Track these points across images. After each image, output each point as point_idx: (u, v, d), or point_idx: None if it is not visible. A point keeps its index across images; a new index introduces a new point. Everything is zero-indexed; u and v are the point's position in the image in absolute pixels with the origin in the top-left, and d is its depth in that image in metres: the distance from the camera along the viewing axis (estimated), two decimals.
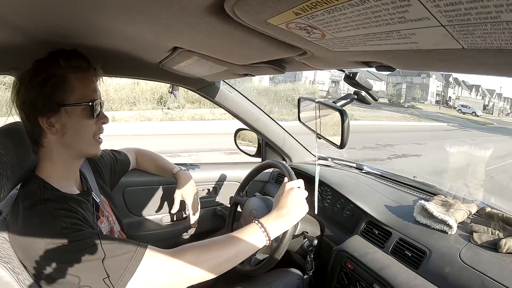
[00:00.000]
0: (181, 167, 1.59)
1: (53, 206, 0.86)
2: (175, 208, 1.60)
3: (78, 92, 0.95)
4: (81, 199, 0.98)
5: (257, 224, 1.03)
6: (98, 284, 0.81)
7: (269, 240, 1.02)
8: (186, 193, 1.56)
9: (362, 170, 1.93)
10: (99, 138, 1.03)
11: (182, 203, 1.60)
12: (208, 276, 0.93)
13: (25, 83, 0.93)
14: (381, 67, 0.68)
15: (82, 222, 0.88)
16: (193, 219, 1.60)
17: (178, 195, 1.57)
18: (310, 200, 1.10)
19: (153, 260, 0.87)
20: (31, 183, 0.93)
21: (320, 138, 1.02)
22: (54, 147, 0.97)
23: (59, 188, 0.95)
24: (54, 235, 0.81)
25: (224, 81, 1.74)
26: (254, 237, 1.00)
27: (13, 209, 0.90)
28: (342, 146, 0.92)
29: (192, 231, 1.89)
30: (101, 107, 1.01)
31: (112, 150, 1.46)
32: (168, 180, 1.64)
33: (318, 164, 2.06)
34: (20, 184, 0.95)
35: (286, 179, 1.21)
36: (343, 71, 0.92)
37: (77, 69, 0.95)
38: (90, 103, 0.96)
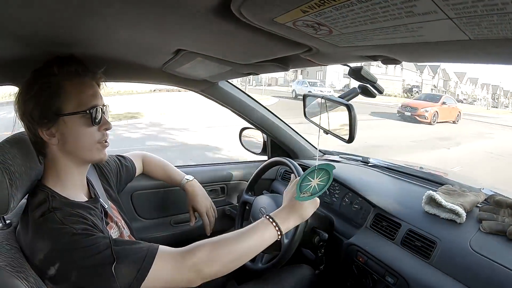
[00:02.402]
0: (189, 177, 1.56)
1: (62, 214, 0.87)
2: (191, 221, 1.57)
3: (74, 99, 0.93)
4: (89, 206, 0.98)
5: (268, 219, 1.02)
6: (115, 286, 0.82)
7: (280, 234, 1.01)
8: (200, 208, 1.52)
9: (368, 163, 1.93)
10: (105, 142, 1.01)
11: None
12: (221, 272, 0.93)
13: (23, 94, 0.92)
14: (386, 60, 0.69)
15: (92, 228, 0.88)
16: (208, 230, 1.55)
17: (191, 210, 1.54)
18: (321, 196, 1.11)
19: (165, 260, 0.87)
20: (39, 192, 0.93)
21: (327, 134, 1.02)
22: (57, 156, 0.96)
23: (67, 196, 0.95)
24: (66, 242, 0.82)
25: (227, 80, 1.74)
26: (265, 232, 1.00)
27: (23, 219, 0.91)
28: (350, 140, 0.92)
29: (201, 231, 1.89)
30: (103, 113, 0.98)
31: (117, 156, 1.45)
32: None
33: (325, 159, 2.07)
34: (28, 194, 0.95)
35: (293, 176, 1.21)
36: (348, 66, 0.93)
37: (72, 75, 0.93)
38: (88, 111, 0.94)
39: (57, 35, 0.81)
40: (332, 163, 1.02)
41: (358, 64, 0.92)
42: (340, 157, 2.10)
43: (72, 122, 0.93)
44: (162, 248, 0.90)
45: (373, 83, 0.95)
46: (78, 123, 0.94)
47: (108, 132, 1.02)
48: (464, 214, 1.14)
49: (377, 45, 0.58)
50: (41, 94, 0.90)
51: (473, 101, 66.97)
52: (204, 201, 1.53)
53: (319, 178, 1.03)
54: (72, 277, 0.81)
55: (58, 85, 0.92)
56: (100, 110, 0.97)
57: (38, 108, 0.91)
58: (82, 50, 0.95)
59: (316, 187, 1.03)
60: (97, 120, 0.96)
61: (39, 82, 0.91)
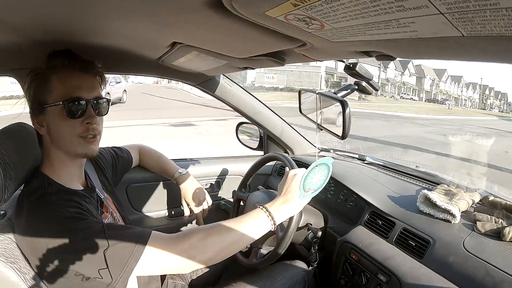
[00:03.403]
0: (182, 170, 1.55)
1: (57, 197, 0.89)
2: (184, 215, 1.58)
3: (56, 91, 0.94)
4: (85, 194, 1.00)
5: (262, 209, 1.02)
6: (104, 272, 0.82)
7: (274, 225, 1.01)
8: (192, 202, 1.52)
9: (364, 161, 1.93)
10: (90, 136, 0.99)
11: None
12: (213, 259, 0.94)
13: (24, 87, 0.99)
14: (381, 57, 0.68)
15: (86, 213, 0.89)
16: (201, 223, 1.55)
17: (184, 204, 1.55)
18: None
19: (157, 245, 0.88)
20: (35, 179, 0.95)
21: (321, 130, 1.02)
22: (49, 147, 0.99)
23: (63, 184, 0.96)
24: (59, 224, 0.83)
25: (224, 75, 1.73)
26: (258, 221, 1.00)
27: (18, 205, 0.92)
28: (344, 136, 0.92)
29: (195, 225, 1.89)
30: (88, 105, 0.97)
31: (113, 147, 1.45)
32: None
33: (321, 156, 2.07)
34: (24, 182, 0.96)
35: (287, 169, 1.21)
36: (343, 62, 0.92)
37: (58, 67, 0.95)
38: (61, 103, 0.93)
39: (52, 24, 0.81)
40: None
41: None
42: (336, 154, 2.10)
43: (53, 113, 0.95)
44: (155, 233, 0.90)
45: (368, 80, 0.95)
46: (57, 115, 0.95)
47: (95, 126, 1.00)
48: (458, 214, 1.14)
49: (370, 40, 0.57)
50: (31, 86, 0.96)
51: (444, 100, 62.91)
52: (196, 194, 1.53)
53: (320, 174, 1.03)
54: (64, 262, 0.82)
55: (45, 77, 0.95)
56: (84, 103, 0.97)
57: (30, 99, 0.97)
58: (79, 40, 0.95)
59: (318, 182, 1.03)
60: (73, 113, 0.95)
61: (30, 74, 0.96)
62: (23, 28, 0.82)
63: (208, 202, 1.57)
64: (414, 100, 60.67)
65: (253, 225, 0.99)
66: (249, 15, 0.56)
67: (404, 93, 63.27)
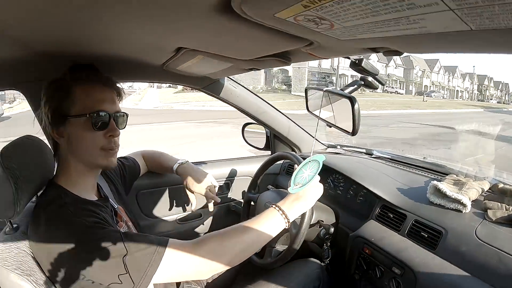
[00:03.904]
0: (181, 161, 1.52)
1: (75, 207, 0.89)
2: (191, 205, 1.54)
3: (80, 103, 0.96)
4: (100, 204, 1.00)
5: (274, 208, 1.04)
6: (125, 280, 0.83)
7: (288, 222, 1.03)
8: (196, 189, 1.48)
9: (372, 155, 1.94)
10: (111, 149, 1.02)
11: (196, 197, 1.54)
12: (231, 263, 0.95)
13: (43, 96, 0.98)
14: (388, 52, 0.69)
15: (104, 222, 0.90)
16: (211, 206, 1.52)
17: (189, 194, 1.51)
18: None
19: (175, 252, 0.89)
20: (51, 190, 0.96)
21: (330, 127, 1.03)
22: (67, 157, 1.00)
23: (79, 194, 0.97)
24: (79, 234, 0.84)
25: (228, 77, 1.74)
26: (272, 220, 1.02)
27: (35, 216, 0.92)
28: (354, 132, 0.92)
29: (206, 228, 1.91)
30: (113, 119, 1.00)
31: (119, 158, 1.45)
32: (179, 179, 1.57)
33: (328, 152, 2.07)
34: (37, 193, 0.97)
35: (295, 166, 1.22)
36: (349, 58, 0.92)
37: (82, 80, 0.97)
38: (89, 115, 0.95)
39: (57, 34, 0.81)
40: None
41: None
42: (344, 149, 2.10)
43: (76, 124, 0.96)
44: (172, 240, 0.91)
45: (374, 75, 0.95)
46: (80, 127, 0.97)
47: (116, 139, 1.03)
48: (469, 203, 1.15)
49: (379, 37, 0.58)
50: (53, 97, 0.96)
51: (431, 93, 59.52)
52: (199, 180, 1.49)
53: (311, 169, 1.05)
54: (84, 271, 0.83)
55: (68, 88, 0.96)
56: (107, 116, 0.99)
57: (51, 109, 0.97)
58: (83, 49, 0.96)
59: (307, 177, 1.04)
60: (98, 125, 0.97)
61: (52, 85, 0.97)
62: (26, 40, 0.82)
63: (214, 184, 1.52)
64: (400, 93, 56.88)
65: (268, 225, 1.01)
66: (258, 17, 0.57)
67: (389, 86, 57.90)
